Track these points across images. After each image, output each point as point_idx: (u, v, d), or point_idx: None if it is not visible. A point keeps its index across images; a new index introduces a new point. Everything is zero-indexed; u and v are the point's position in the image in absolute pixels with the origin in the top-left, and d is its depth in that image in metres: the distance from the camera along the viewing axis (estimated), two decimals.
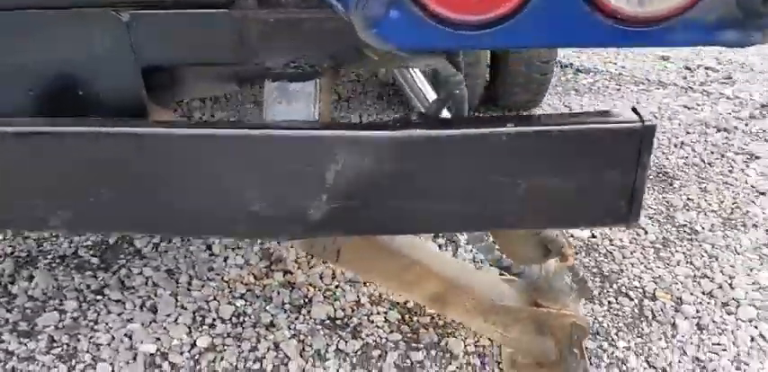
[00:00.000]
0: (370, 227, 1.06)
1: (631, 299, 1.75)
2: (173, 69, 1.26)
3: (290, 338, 1.62)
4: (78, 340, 1.63)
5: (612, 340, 1.61)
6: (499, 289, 1.42)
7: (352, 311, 1.72)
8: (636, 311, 1.71)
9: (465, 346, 1.59)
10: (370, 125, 1.03)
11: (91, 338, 1.63)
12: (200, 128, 0.99)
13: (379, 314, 1.71)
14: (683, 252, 1.96)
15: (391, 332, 1.65)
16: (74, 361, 1.57)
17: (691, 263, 1.90)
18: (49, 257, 1.95)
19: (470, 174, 1.00)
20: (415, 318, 1.69)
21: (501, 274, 1.52)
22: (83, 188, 1.04)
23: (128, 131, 1.01)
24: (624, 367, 1.53)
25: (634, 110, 1.03)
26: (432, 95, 1.24)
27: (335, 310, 1.71)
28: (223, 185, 1.01)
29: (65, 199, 1.05)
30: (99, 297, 1.77)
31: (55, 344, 1.62)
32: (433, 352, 1.58)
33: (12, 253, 1.96)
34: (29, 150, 1.02)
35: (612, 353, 1.57)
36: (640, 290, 1.79)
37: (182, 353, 1.58)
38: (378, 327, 1.66)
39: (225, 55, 1.10)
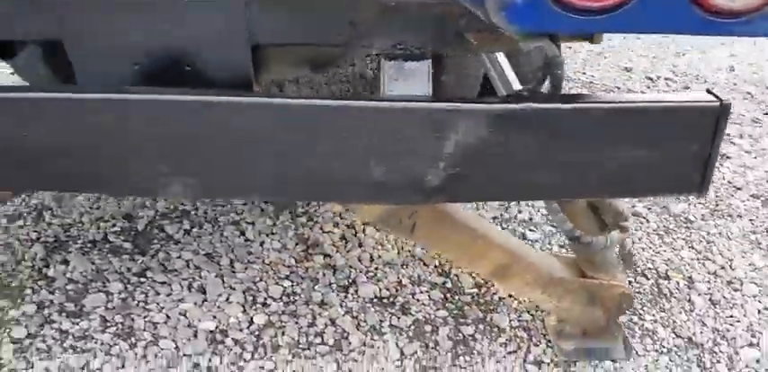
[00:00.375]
0: (480, 194, 1.16)
1: (648, 279, 1.92)
2: (261, 50, 1.31)
3: (343, 314, 1.68)
4: (132, 319, 1.63)
5: (640, 314, 1.76)
6: (551, 263, 1.54)
7: (396, 291, 1.80)
8: (654, 289, 1.87)
9: (510, 321, 1.70)
10: (487, 99, 1.13)
11: (146, 317, 1.63)
12: (332, 101, 1.06)
13: (422, 293, 1.79)
14: (684, 238, 2.15)
15: (438, 309, 1.74)
16: (133, 339, 1.57)
17: (692, 248, 2.09)
18: (80, 242, 1.92)
19: (573, 145, 1.12)
20: (456, 297, 1.79)
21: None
22: (216, 155, 1.08)
23: (264, 102, 1.06)
24: (655, 337, 1.68)
25: (709, 91, 1.18)
26: (513, 78, 1.36)
27: (381, 289, 1.79)
28: (349, 153, 1.08)
29: (196, 166, 1.10)
30: (143, 280, 1.77)
31: (108, 323, 1.61)
32: (481, 327, 1.68)
33: (38, 239, 1.92)
34: (167, 117, 1.06)
35: (643, 325, 1.72)
36: (654, 271, 1.95)
37: (241, 330, 1.61)
38: (424, 305, 1.75)
39: (335, 37, 1.18)
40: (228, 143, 1.07)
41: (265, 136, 1.07)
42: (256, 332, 1.61)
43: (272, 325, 1.63)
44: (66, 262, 1.82)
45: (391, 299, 1.76)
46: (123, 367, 1.50)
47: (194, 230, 2.01)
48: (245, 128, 1.06)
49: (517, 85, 1.33)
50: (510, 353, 1.61)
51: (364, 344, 1.60)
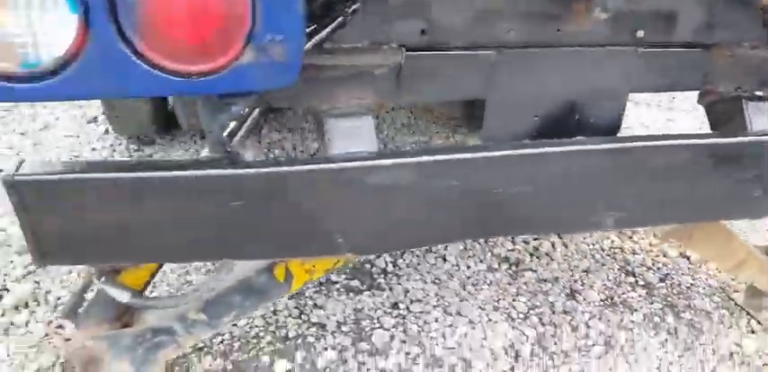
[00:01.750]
0: None
1: None
2: None
3: (589, 318, 1.94)
4: (427, 346, 1.76)
5: None
6: (761, 253, 1.92)
7: (609, 292, 2.09)
8: None
9: (709, 304, 2.06)
10: None
11: (437, 345, 1.77)
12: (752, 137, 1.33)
13: (628, 292, 2.10)
14: None
15: (651, 302, 2.05)
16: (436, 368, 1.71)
17: None
18: (310, 286, 1.98)
19: None
20: (655, 291, 2.12)
21: None
22: (642, 190, 1.31)
23: (686, 143, 1.31)
24: None
25: None
26: None
27: (598, 293, 2.06)
28: (744, 178, 1.36)
29: (625, 202, 1.32)
30: (402, 312, 1.89)
31: (413, 355, 1.73)
32: (692, 312, 2.03)
33: None
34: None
35: None
36: None
37: (523, 343, 1.81)
38: (638, 301, 2.06)
39: (692, 83, 1.46)
40: (654, 179, 1.31)
41: (681, 171, 1.31)
42: (541, 344, 1.82)
43: (547, 336, 1.85)
44: (317, 306, 1.89)
45: (612, 300, 2.05)
46: None
47: (399, 261, 2.14)
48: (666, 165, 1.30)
49: None
50: (728, 328, 1.98)
51: (633, 342, 1.87)
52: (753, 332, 1.98)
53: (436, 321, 1.88)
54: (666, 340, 1.90)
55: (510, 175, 1.21)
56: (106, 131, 2.79)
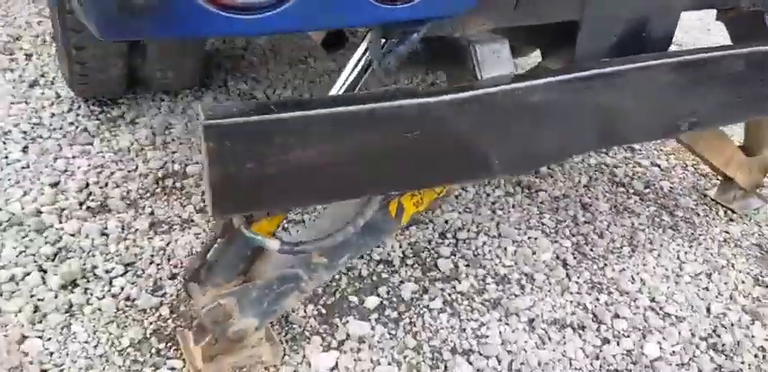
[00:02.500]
0: None
1: None
2: None
3: (601, 221, 2.17)
4: (489, 266, 1.89)
5: None
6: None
7: (607, 199, 2.33)
8: None
9: (690, 202, 2.38)
10: None
11: (496, 267, 1.91)
12: None
13: (624, 199, 2.35)
14: None
15: (647, 207, 2.33)
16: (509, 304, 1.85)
17: None
18: None
19: None
20: (645, 196, 2.39)
21: None
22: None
23: None
24: None
25: None
26: None
27: (596, 200, 2.30)
28: None
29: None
30: (461, 238, 1.99)
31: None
32: (683, 210, 2.33)
33: None
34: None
35: None
36: None
37: (555, 248, 2.00)
38: (638, 205, 2.32)
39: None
40: (719, 85, 1.48)
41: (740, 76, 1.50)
42: (580, 251, 2.02)
43: (581, 244, 2.05)
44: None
45: (617, 208, 2.29)
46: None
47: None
48: None
49: None
50: (713, 220, 2.30)
51: (650, 240, 2.12)
52: (731, 220, 2.33)
53: (485, 244, 2.00)
54: (673, 235, 2.19)
55: (630, 88, 1.32)
56: (57, 95, 2.49)
